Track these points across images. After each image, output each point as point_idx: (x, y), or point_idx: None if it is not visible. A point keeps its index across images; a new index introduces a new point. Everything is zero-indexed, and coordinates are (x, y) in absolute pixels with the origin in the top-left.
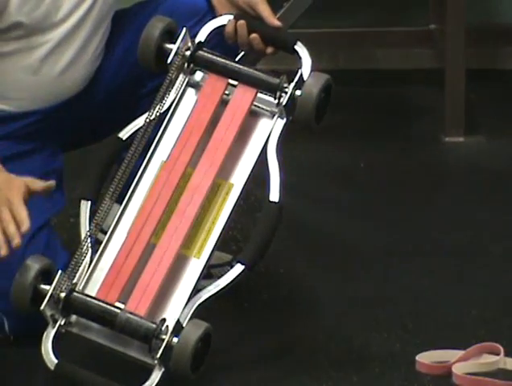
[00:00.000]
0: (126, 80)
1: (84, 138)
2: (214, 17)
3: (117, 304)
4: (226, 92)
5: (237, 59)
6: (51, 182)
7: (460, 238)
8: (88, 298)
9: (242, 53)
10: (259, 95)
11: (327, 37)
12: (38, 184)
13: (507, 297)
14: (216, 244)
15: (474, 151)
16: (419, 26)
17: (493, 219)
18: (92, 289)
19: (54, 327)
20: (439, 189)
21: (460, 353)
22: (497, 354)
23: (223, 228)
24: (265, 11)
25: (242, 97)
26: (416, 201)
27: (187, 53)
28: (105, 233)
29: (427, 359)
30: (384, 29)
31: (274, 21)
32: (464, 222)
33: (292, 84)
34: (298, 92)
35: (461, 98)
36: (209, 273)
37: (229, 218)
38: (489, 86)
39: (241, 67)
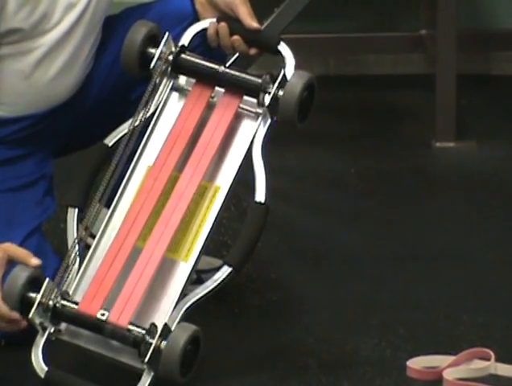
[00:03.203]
0: (117, 86)
1: (75, 144)
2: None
3: (102, 311)
4: (212, 94)
5: (228, 64)
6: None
7: (450, 243)
8: (75, 306)
9: (234, 57)
10: (243, 96)
11: (317, 42)
12: (18, 253)
13: (498, 302)
14: (203, 246)
15: (465, 156)
16: (409, 32)
17: (484, 225)
18: (82, 296)
19: (43, 335)
20: (430, 194)
21: (450, 358)
22: (488, 359)
23: (210, 231)
24: (243, 13)
25: (228, 103)
26: (407, 206)
27: (170, 57)
28: (95, 238)
29: (417, 364)
30: (375, 34)
31: (251, 23)
32: (454, 227)
33: (275, 85)
34: (280, 92)
35: (452, 103)
36: (200, 278)
37: (215, 220)
38: (480, 91)
39: (223, 69)
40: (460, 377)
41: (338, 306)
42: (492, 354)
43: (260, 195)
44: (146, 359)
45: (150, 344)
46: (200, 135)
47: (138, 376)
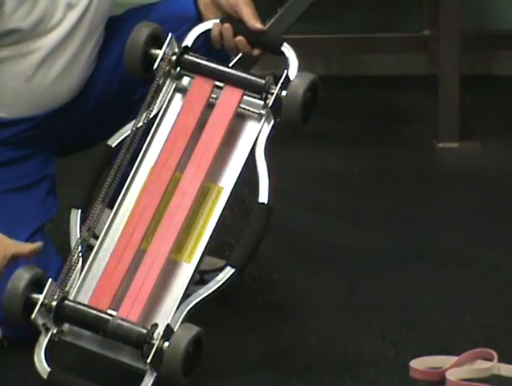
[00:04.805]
0: (119, 87)
1: (78, 144)
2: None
3: (109, 311)
4: (213, 95)
5: (230, 64)
6: (39, 244)
7: (453, 243)
8: (80, 306)
9: (237, 58)
10: (246, 97)
11: (320, 43)
12: (24, 248)
13: (501, 302)
14: (206, 247)
15: (468, 157)
16: (412, 32)
17: (488, 225)
18: (85, 297)
19: (46, 336)
20: (433, 195)
21: (453, 359)
22: (491, 360)
23: (213, 232)
24: (247, 15)
25: (229, 100)
26: (410, 207)
27: (174, 58)
28: (97, 239)
29: (420, 365)
30: (377, 35)
31: (254, 24)
32: (458, 228)
33: (278, 85)
34: (284, 93)
35: (455, 104)
36: (203, 278)
37: (218, 221)
38: (483, 92)
39: (226, 69)
40: (463, 378)
41: (341, 307)
42: (495, 354)
43: (263, 196)
44: (149, 360)
45: (153, 345)
46: (201, 135)
47: (140, 377)
